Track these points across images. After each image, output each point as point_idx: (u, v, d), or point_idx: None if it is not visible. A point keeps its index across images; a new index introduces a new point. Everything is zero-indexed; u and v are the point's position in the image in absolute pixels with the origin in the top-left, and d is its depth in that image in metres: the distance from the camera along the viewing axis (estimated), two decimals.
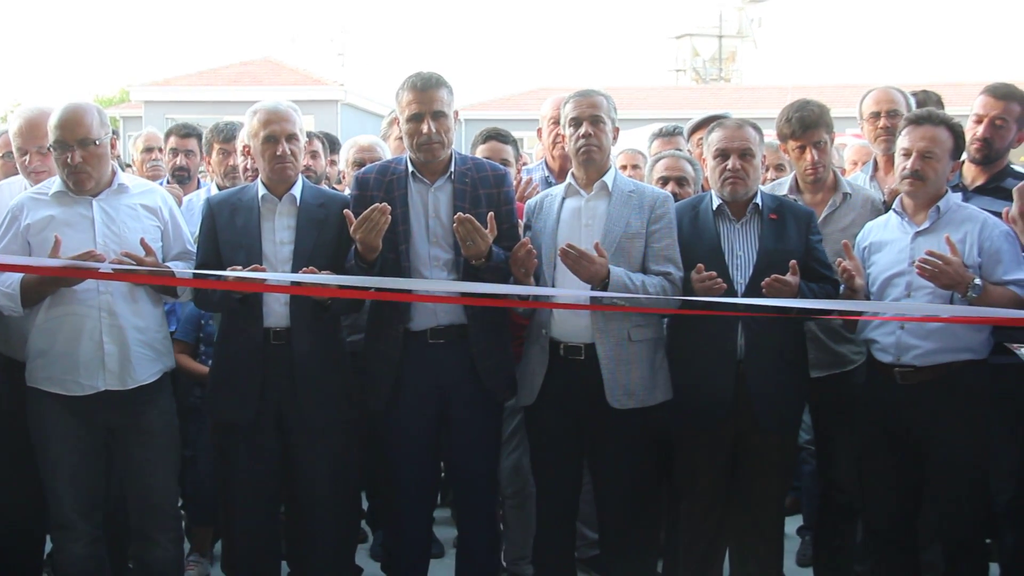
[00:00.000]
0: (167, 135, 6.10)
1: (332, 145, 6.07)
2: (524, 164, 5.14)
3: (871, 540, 4.33)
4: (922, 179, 4.01)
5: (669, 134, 5.75)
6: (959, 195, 4.31)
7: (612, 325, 4.06)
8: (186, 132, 6.03)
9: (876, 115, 4.93)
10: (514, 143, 5.03)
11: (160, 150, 6.25)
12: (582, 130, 4.14)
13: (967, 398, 3.97)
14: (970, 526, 4.05)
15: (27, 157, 4.45)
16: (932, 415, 3.97)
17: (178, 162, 5.94)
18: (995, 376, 4.06)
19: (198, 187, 5.99)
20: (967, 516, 4.03)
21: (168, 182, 5.94)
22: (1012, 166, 4.62)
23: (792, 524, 5.23)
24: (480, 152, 4.90)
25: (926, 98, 5.30)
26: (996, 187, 4.44)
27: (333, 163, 6.04)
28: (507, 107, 29.44)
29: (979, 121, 4.48)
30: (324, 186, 5.20)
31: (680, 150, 5.42)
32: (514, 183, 4.88)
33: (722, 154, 4.15)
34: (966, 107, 4.70)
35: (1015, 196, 4.02)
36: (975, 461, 4.00)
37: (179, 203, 4.95)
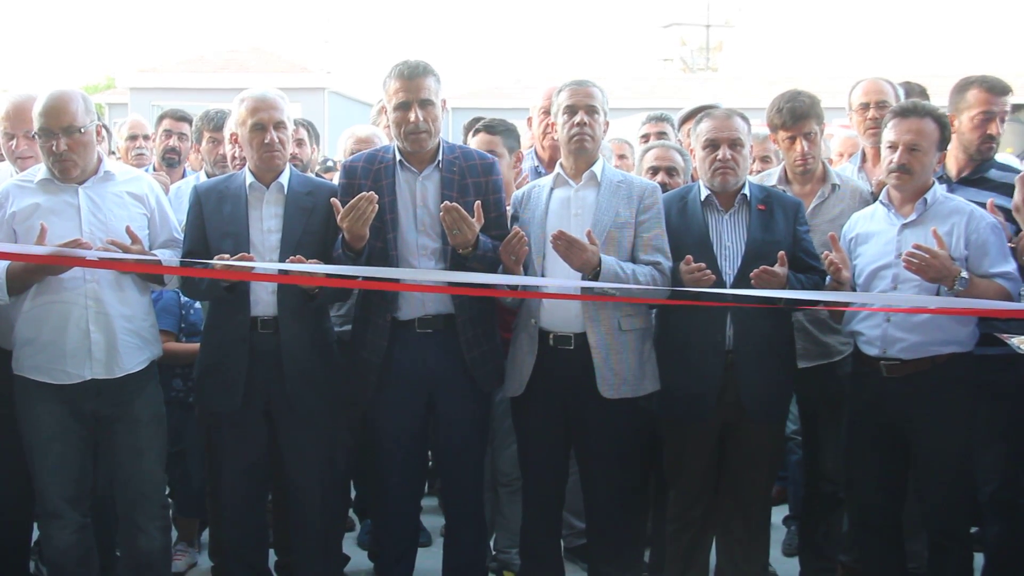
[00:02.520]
0: (161, 118, 6.11)
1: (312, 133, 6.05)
2: (519, 159, 5.06)
3: (857, 530, 4.36)
4: (909, 172, 4.01)
5: (658, 119, 5.74)
6: (943, 186, 4.32)
7: (603, 314, 4.06)
8: (180, 116, 6.07)
9: (865, 106, 4.92)
10: (504, 132, 4.93)
11: (145, 137, 6.23)
12: (576, 118, 4.13)
13: (952, 390, 3.98)
14: (955, 516, 4.07)
15: (14, 142, 4.44)
16: (918, 407, 3.98)
17: (170, 143, 5.94)
18: (980, 367, 4.07)
19: (183, 176, 5.98)
20: (952, 506, 4.05)
21: (155, 168, 5.94)
22: (995, 157, 4.63)
23: (778, 514, 5.24)
24: (472, 144, 4.87)
25: (909, 90, 5.31)
26: (980, 178, 4.45)
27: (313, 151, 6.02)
28: (495, 96, 29.36)
29: (987, 118, 4.45)
30: (310, 174, 5.18)
31: (665, 134, 5.42)
32: (512, 172, 4.86)
33: (712, 144, 4.15)
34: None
35: (1018, 185, 4.02)
36: (960, 452, 4.02)
37: (166, 191, 4.94)
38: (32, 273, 3.94)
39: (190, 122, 5.94)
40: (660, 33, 48.22)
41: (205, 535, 5.24)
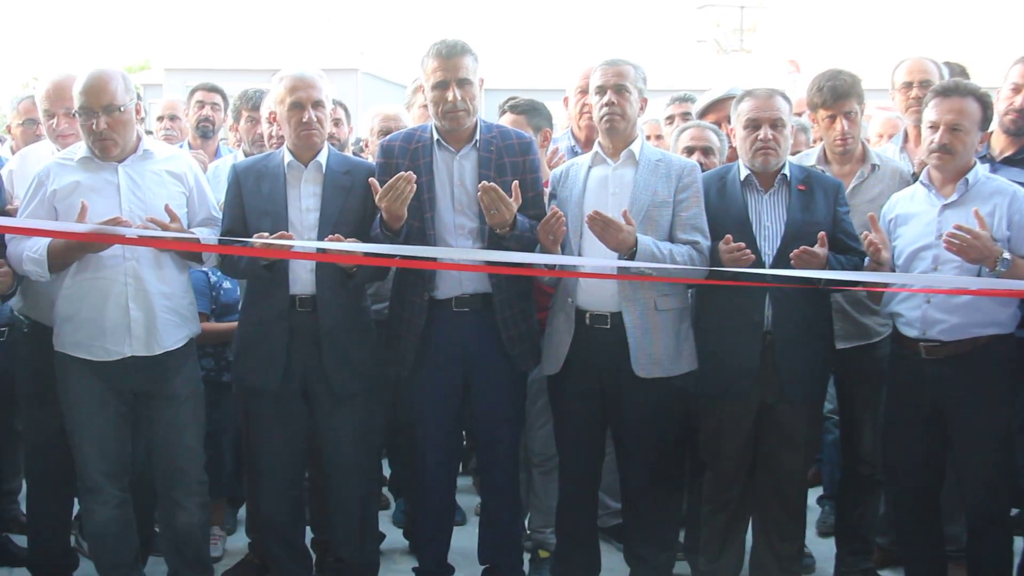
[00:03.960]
0: (193, 91, 6.18)
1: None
2: (547, 138, 5.03)
3: (894, 513, 4.34)
4: (950, 152, 3.96)
5: (682, 100, 5.70)
6: (986, 166, 4.27)
7: (639, 294, 4.05)
8: (212, 87, 6.17)
9: (908, 85, 4.88)
10: (531, 111, 4.92)
11: (173, 118, 6.29)
12: (606, 98, 4.12)
13: (993, 372, 3.95)
14: (994, 499, 4.04)
15: (54, 120, 4.46)
16: (958, 389, 3.94)
17: (204, 113, 6.02)
18: (1021, 350, 4.03)
19: (217, 149, 6.02)
20: (991, 489, 4.02)
21: (190, 145, 5.98)
22: None
23: (813, 496, 5.23)
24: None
25: (951, 70, 5.25)
26: None
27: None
28: (529, 77, 29.28)
29: (1017, 91, 4.43)
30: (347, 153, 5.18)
31: (690, 114, 5.38)
32: (540, 149, 4.84)
33: (753, 124, 4.11)
34: (993, 79, 4.65)
35: None
36: (1000, 435, 3.99)
37: (204, 169, 4.96)
38: (72, 250, 3.97)
39: (222, 94, 6.03)
40: (695, 14, 47.91)
41: (241, 512, 5.28)
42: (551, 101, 5.39)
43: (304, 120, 4.13)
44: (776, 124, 4.10)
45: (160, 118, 6.32)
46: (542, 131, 4.92)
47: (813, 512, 5.30)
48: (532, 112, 4.92)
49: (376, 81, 29.30)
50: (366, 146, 5.97)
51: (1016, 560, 4.20)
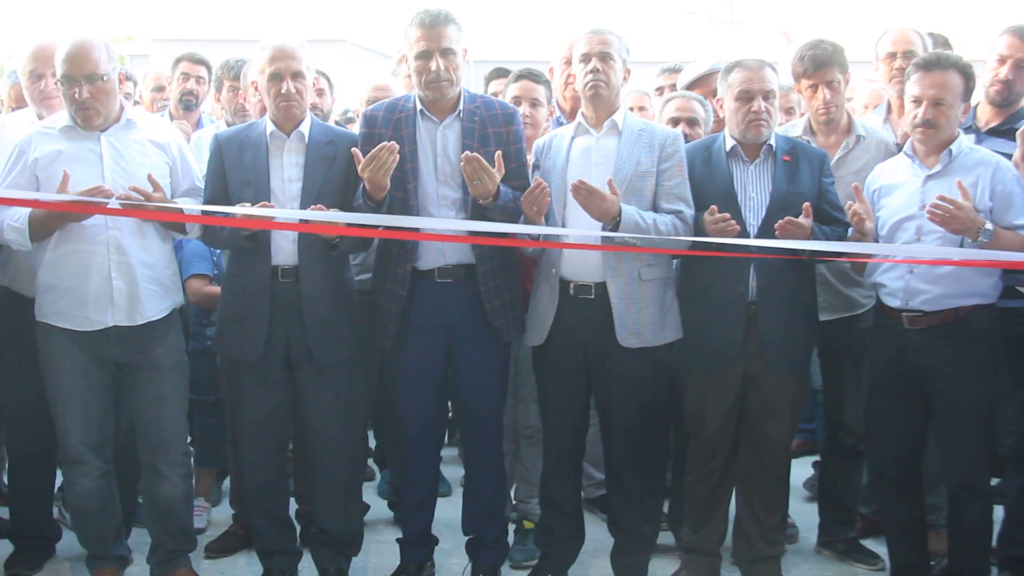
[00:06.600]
0: (178, 60, 6.06)
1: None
2: (552, 112, 5.03)
3: (876, 482, 4.36)
4: (934, 127, 3.95)
5: (671, 70, 5.68)
6: (972, 136, 4.27)
7: (623, 264, 4.04)
8: (198, 59, 6.05)
9: (892, 55, 4.84)
10: (547, 83, 4.94)
11: (162, 88, 6.22)
12: (590, 66, 4.10)
13: (975, 342, 3.96)
14: (975, 469, 4.06)
15: (43, 82, 4.39)
16: (939, 359, 3.96)
17: (188, 86, 5.93)
18: (1003, 320, 4.05)
19: (199, 121, 5.97)
20: (972, 459, 4.04)
21: (171, 114, 5.92)
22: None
23: (797, 464, 5.23)
24: (512, 91, 4.84)
25: (934, 40, 5.23)
26: (1009, 129, 4.38)
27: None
28: (515, 47, 29.06)
29: (1002, 62, 4.42)
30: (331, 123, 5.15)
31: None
32: (545, 124, 4.83)
33: (746, 95, 4.08)
34: (978, 50, 4.63)
35: (1018, 140, 4.00)
36: (982, 404, 4.01)
37: (187, 139, 4.92)
38: (54, 220, 3.95)
39: (207, 65, 5.93)
40: None
41: (226, 484, 5.28)
42: None
43: (282, 91, 4.09)
44: (768, 96, 4.09)
45: (160, 88, 6.24)
46: (549, 105, 4.92)
47: (802, 478, 5.35)
48: (547, 84, 4.94)
49: (364, 52, 29.06)
50: (357, 116, 5.91)
51: (996, 528, 4.23)
